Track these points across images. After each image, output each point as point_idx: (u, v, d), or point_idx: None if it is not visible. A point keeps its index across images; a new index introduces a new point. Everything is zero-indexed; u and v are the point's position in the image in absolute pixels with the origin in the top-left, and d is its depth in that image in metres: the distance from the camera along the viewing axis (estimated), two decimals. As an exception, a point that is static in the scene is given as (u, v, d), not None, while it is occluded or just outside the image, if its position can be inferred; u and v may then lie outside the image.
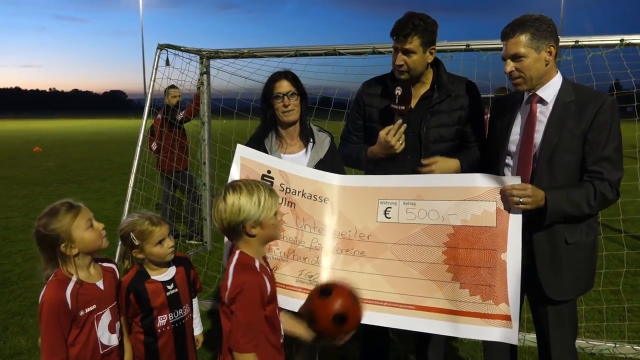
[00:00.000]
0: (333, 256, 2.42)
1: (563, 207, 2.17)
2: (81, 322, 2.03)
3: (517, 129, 2.38)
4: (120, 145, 22.32)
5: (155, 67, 4.79)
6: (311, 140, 2.73)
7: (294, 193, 2.47)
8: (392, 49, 2.65)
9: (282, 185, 2.48)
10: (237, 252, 2.03)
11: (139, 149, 4.59)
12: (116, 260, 4.30)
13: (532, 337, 3.21)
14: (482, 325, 2.16)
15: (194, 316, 2.51)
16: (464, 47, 4.10)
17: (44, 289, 2.01)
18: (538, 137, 2.29)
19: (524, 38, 2.20)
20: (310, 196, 2.47)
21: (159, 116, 6.46)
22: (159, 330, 2.29)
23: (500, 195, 2.21)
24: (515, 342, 2.16)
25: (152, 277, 2.29)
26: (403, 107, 2.56)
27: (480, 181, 2.26)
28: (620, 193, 2.24)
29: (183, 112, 6.27)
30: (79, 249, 2.04)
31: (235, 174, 2.48)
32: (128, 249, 2.29)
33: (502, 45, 2.31)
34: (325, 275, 2.40)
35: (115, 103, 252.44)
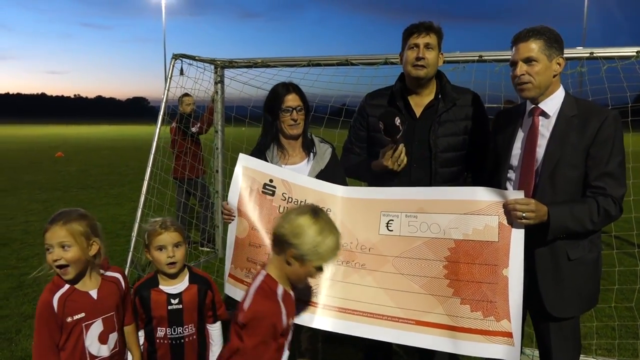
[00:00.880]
0: (333, 267, 2.41)
1: (566, 223, 2.14)
2: (68, 328, 2.03)
3: (519, 143, 2.36)
4: (140, 151, 22.63)
5: (169, 76, 4.87)
6: (312, 151, 2.74)
7: (296, 203, 2.47)
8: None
9: (284, 194, 2.49)
10: (264, 273, 2.00)
11: (152, 156, 4.65)
12: (127, 265, 4.37)
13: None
14: (483, 342, 2.13)
15: (213, 344, 2.42)
16: (477, 58, 4.08)
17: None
18: (540, 151, 2.26)
19: (538, 43, 2.20)
20: None
21: (174, 124, 6.55)
22: (157, 341, 2.30)
23: (502, 210, 2.17)
24: (517, 359, 2.11)
25: (160, 287, 2.29)
26: (390, 139, 2.52)
27: (482, 195, 2.23)
28: (623, 209, 2.19)
29: (198, 124, 6.35)
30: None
31: (237, 182, 2.49)
32: (144, 248, 2.32)
33: None
34: (325, 287, 2.39)
35: (137, 109, 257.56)
